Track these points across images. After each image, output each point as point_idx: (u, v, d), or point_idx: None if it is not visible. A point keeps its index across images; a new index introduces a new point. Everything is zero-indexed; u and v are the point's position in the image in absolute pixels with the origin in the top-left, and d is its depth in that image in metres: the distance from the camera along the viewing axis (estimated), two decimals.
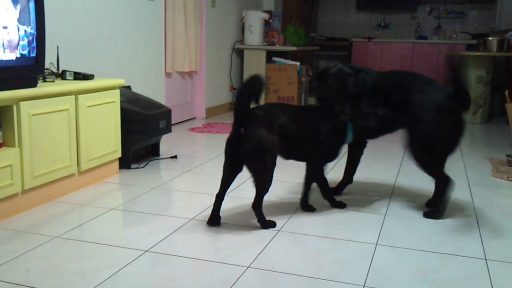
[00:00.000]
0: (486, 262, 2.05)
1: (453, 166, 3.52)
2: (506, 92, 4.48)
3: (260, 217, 2.34)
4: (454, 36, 8.35)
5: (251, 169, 2.29)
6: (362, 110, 2.49)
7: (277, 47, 6.25)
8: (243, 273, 1.90)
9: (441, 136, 2.44)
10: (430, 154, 2.49)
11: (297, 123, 2.41)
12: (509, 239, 2.32)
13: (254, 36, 6.19)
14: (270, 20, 6.50)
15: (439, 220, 2.51)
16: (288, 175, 3.27)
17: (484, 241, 2.27)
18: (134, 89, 4.08)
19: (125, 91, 3.46)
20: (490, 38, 6.21)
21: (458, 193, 2.96)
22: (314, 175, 2.57)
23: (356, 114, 2.48)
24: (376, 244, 2.21)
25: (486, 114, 6.00)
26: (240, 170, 2.37)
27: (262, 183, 2.29)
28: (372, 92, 2.56)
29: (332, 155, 2.54)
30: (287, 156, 2.51)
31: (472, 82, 5.95)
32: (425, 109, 2.44)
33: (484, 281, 1.89)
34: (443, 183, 2.53)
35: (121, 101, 3.19)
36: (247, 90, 2.25)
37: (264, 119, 2.29)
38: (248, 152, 2.24)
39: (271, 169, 2.29)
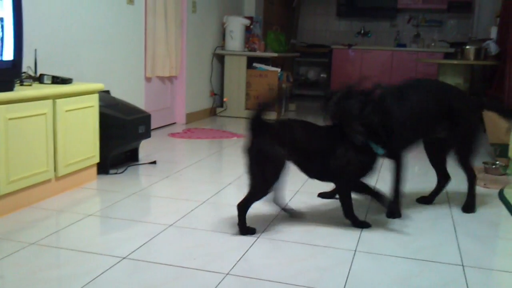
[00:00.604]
0: (463, 268, 2.08)
1: (431, 173, 3.57)
2: (484, 99, 4.55)
3: (241, 221, 2.34)
4: (433, 44, 8.49)
5: (249, 175, 2.30)
6: (378, 125, 2.37)
7: (258, 53, 6.27)
8: (222, 280, 1.89)
9: (479, 132, 2.79)
10: (473, 151, 2.80)
11: (313, 140, 2.38)
12: (486, 245, 2.35)
13: (235, 41, 6.20)
14: (251, 26, 6.52)
15: (417, 227, 2.53)
16: None
17: (461, 247, 2.30)
18: (113, 94, 4.05)
19: (104, 95, 3.43)
20: (467, 47, 6.32)
21: (436, 199, 3.00)
22: (340, 193, 2.50)
23: (373, 131, 2.36)
24: (355, 250, 2.22)
25: None
26: None
27: (255, 191, 2.30)
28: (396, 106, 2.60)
29: (358, 173, 2.42)
30: (308, 174, 2.48)
31: None
32: (470, 111, 2.72)
33: (461, 287, 1.91)
34: (474, 177, 2.82)
35: (99, 106, 3.16)
36: (264, 104, 2.28)
37: (274, 131, 2.31)
38: (250, 159, 2.27)
39: (269, 180, 2.29)
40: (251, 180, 2.30)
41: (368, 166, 2.42)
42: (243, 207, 2.33)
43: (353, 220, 2.50)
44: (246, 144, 2.31)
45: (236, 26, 6.18)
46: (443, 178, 3.00)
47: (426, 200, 2.99)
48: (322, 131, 2.43)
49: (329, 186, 2.91)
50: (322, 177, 2.49)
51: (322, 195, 2.99)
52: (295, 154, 2.34)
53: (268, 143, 2.26)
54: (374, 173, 2.52)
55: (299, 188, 3.16)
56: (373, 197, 2.49)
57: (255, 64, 6.26)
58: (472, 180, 2.83)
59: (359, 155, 2.36)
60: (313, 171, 2.46)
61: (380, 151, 2.39)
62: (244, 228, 2.35)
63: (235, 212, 2.68)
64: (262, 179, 2.29)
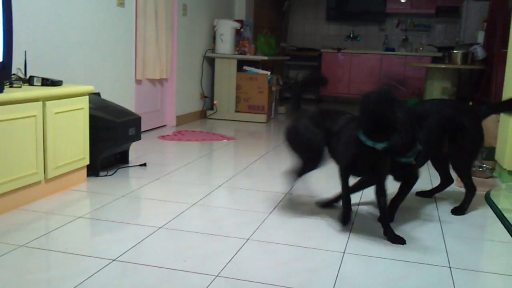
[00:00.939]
0: (450, 270, 2.11)
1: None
2: (470, 104, 4.60)
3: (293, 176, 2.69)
4: (421, 48, 8.56)
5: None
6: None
7: (248, 56, 6.29)
8: (211, 282, 1.90)
9: (481, 146, 2.87)
10: (472, 163, 2.93)
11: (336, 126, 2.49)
12: (473, 247, 2.38)
13: (225, 45, 6.21)
14: (241, 30, 6.54)
15: (406, 229, 2.56)
16: (257, 184, 3.28)
17: (448, 249, 2.33)
18: (103, 96, 4.04)
19: (94, 97, 3.43)
20: (455, 51, 6.39)
21: (423, 202, 3.03)
22: (378, 192, 2.44)
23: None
24: (344, 252, 2.24)
25: None
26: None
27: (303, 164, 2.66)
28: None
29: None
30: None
31: (438, 93, 6.10)
32: (474, 126, 2.78)
33: None
34: (474, 190, 2.87)
35: (90, 108, 3.16)
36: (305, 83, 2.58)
37: (308, 115, 2.62)
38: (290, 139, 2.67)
39: (294, 155, 2.65)
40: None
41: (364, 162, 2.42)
42: (296, 173, 2.60)
43: (386, 227, 2.43)
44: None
45: (226, 29, 6.20)
46: (446, 180, 3.11)
47: (426, 194, 3.13)
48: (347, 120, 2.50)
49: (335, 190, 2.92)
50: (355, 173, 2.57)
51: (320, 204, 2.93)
52: (329, 144, 2.55)
53: (293, 124, 2.62)
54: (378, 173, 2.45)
55: (290, 190, 3.17)
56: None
57: (245, 67, 6.28)
58: (471, 193, 2.87)
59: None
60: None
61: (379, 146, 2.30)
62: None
63: (225, 214, 2.70)
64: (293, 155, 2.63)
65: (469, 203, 2.88)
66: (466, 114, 2.79)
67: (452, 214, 2.85)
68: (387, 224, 2.42)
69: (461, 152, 2.80)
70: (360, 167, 2.44)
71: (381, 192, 2.41)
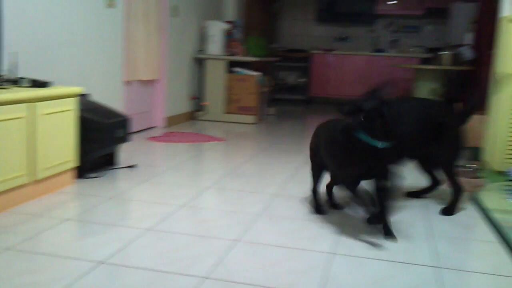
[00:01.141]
0: (439, 270, 2.12)
1: (407, 177, 3.62)
2: (460, 105, 4.63)
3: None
4: (410, 49, 8.60)
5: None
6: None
7: (238, 58, 6.29)
8: (200, 284, 1.90)
9: (464, 145, 2.89)
10: (456, 163, 2.90)
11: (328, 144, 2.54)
12: (461, 247, 2.40)
13: (215, 46, 6.21)
14: (232, 31, 6.54)
15: (394, 229, 2.57)
16: (246, 185, 3.28)
17: (436, 249, 2.35)
18: (92, 97, 4.02)
19: (83, 99, 3.41)
20: (443, 52, 6.43)
21: (411, 202, 3.05)
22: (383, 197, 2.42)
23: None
24: (332, 253, 2.24)
25: None
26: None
27: None
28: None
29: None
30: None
31: (426, 94, 6.14)
32: (455, 126, 2.81)
33: None
34: (460, 190, 2.88)
35: (78, 109, 3.14)
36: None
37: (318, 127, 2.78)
38: None
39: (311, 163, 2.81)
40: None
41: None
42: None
43: (385, 227, 2.44)
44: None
45: (216, 30, 6.20)
46: (434, 181, 3.13)
47: (415, 194, 3.16)
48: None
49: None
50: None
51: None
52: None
53: (313, 137, 2.81)
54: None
55: (279, 191, 3.18)
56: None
57: (235, 68, 6.27)
58: (458, 192, 2.87)
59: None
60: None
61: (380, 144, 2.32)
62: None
63: (213, 215, 2.70)
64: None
65: (457, 203, 2.89)
66: (446, 113, 2.81)
67: (441, 214, 2.86)
68: (386, 220, 2.42)
69: (442, 152, 2.82)
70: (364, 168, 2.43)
71: (385, 188, 2.41)
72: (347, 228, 2.57)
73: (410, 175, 3.67)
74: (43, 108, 2.78)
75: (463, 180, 3.61)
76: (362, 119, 2.26)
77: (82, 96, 3.48)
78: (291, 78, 9.31)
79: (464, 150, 2.91)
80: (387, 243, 2.39)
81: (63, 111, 2.96)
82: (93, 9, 4.11)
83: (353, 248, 2.31)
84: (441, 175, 2.98)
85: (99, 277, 1.91)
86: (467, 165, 3.82)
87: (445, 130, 2.78)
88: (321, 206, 2.81)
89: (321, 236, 2.45)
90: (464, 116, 2.90)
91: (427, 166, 3.10)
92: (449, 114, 2.83)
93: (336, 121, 2.57)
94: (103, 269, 1.98)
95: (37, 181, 2.82)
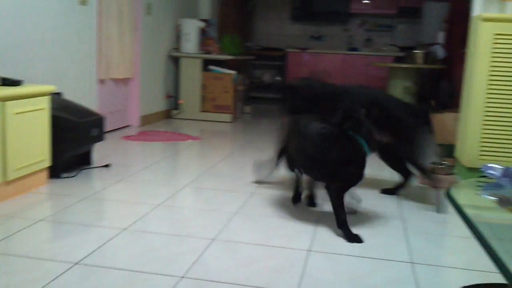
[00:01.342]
0: (413, 265, 2.15)
1: (384, 174, 3.66)
2: (432, 102, 4.71)
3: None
4: (384, 48, 8.70)
5: None
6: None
7: (213, 56, 6.27)
8: (177, 283, 1.89)
9: (422, 137, 2.98)
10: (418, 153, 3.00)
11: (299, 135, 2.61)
12: (434, 243, 2.43)
13: (190, 44, 6.18)
14: (207, 29, 6.51)
15: (369, 226, 2.60)
16: (222, 184, 3.28)
17: (410, 245, 2.38)
18: (65, 96, 3.95)
19: (56, 98, 3.35)
20: (416, 51, 6.52)
21: (385, 199, 3.08)
22: (331, 200, 2.47)
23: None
24: (309, 250, 2.25)
25: None
26: None
27: None
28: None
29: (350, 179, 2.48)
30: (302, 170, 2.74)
31: (400, 92, 6.22)
32: (410, 118, 2.89)
33: (411, 284, 1.97)
34: (410, 174, 3.11)
35: (51, 108, 3.08)
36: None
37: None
38: None
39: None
40: None
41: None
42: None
43: (346, 231, 2.45)
44: None
45: (191, 28, 6.16)
46: (404, 173, 3.19)
47: (390, 191, 3.23)
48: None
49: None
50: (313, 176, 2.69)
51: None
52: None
53: None
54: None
55: (255, 190, 3.18)
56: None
57: (210, 67, 6.25)
58: (426, 174, 3.00)
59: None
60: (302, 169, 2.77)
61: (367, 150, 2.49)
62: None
63: (190, 214, 2.68)
64: None
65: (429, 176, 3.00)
66: (399, 107, 2.90)
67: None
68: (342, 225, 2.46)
69: (404, 148, 2.93)
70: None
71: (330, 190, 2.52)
72: (323, 225, 2.58)
73: (385, 171, 3.72)
74: (14, 107, 2.72)
75: (437, 177, 3.67)
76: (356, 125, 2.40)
77: (55, 94, 3.42)
78: (267, 76, 9.33)
79: (432, 146, 3.00)
80: (364, 239, 2.41)
81: (35, 110, 2.90)
82: (66, 7, 4.04)
83: (330, 245, 2.32)
84: (411, 168, 3.06)
85: (74, 278, 1.88)
86: (441, 162, 3.89)
87: (403, 126, 2.86)
88: (297, 195, 2.93)
89: (298, 233, 2.46)
90: (424, 113, 3.01)
91: (393, 160, 3.17)
92: (407, 111, 2.91)
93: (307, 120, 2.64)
94: (78, 270, 1.95)
95: (9, 182, 2.76)
